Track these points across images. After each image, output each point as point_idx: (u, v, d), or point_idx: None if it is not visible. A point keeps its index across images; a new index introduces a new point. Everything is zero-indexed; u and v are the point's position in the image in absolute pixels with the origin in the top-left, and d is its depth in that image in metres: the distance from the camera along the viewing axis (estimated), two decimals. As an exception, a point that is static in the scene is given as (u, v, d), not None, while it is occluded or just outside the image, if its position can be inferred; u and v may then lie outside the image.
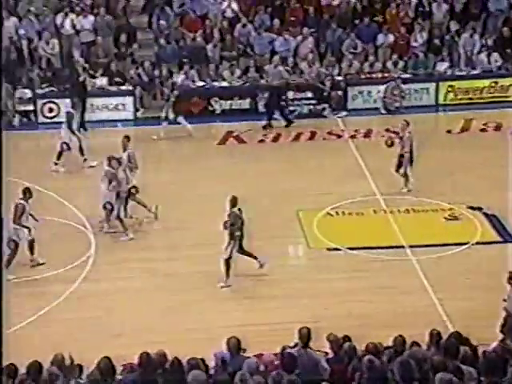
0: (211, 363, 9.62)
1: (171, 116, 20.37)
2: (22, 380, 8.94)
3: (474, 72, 22.97)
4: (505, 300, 12.16)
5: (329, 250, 15.67)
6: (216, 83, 22.41)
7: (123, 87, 21.98)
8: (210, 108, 22.11)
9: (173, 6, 23.30)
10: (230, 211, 14.24)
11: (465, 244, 15.50)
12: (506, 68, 23.01)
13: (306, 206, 17.00)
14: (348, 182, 17.81)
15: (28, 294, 14.10)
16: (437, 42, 23.37)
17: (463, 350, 8.95)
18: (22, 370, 9.10)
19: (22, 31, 22.19)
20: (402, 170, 17.43)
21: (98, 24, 22.61)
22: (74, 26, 22.54)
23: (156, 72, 22.31)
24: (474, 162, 18.76)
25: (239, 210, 14.31)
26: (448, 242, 15.62)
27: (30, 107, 21.26)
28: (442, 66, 23.06)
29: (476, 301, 13.48)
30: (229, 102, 22.08)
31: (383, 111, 22.32)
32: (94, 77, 21.70)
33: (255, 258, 14.59)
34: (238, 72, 22.51)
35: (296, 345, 9.67)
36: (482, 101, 22.63)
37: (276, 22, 23.19)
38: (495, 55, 22.97)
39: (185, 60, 22.33)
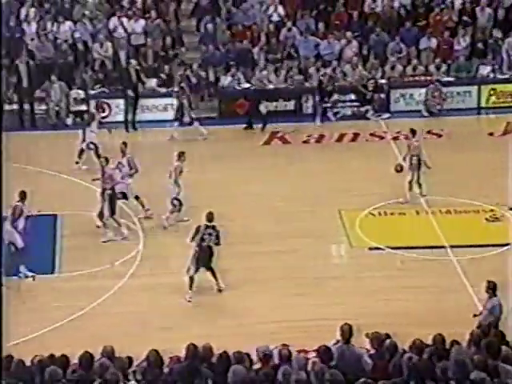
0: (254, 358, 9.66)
1: (186, 119, 20.34)
2: (74, 370, 9.07)
3: (517, 75, 22.71)
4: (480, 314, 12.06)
5: (370, 249, 15.63)
6: (262, 85, 22.46)
7: (172, 89, 22.16)
8: (256, 109, 22.17)
9: (220, 12, 23.40)
10: (203, 225, 13.94)
11: (506, 245, 15.32)
12: (549, 72, 22.69)
13: (349, 206, 16.96)
14: (390, 183, 17.71)
15: (80, 288, 14.29)
16: (480, 45, 23.13)
17: (504, 349, 8.86)
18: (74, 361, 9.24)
19: (77, 34, 22.52)
20: (409, 178, 17.04)
21: (149, 27, 22.84)
22: (125, 30, 22.79)
23: (203, 74, 22.43)
24: (515, 165, 18.53)
25: (207, 226, 13.91)
26: (489, 242, 15.47)
27: (83, 107, 21.53)
28: (485, 70, 22.82)
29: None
30: (274, 103, 22.14)
31: (425, 113, 22.18)
32: (143, 79, 21.89)
33: (190, 286, 14.07)
34: (283, 74, 22.56)
35: (338, 341, 9.65)
36: (524, 104, 22.36)
37: (321, 25, 23.19)
38: (538, 59, 22.67)
39: (232, 62, 22.43)
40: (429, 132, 20.82)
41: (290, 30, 23.07)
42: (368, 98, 22.01)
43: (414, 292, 13.93)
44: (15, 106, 21.32)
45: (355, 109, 22.13)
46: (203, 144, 20.34)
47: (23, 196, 14.80)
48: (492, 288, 12.15)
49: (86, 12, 22.83)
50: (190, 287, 14.02)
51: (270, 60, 22.82)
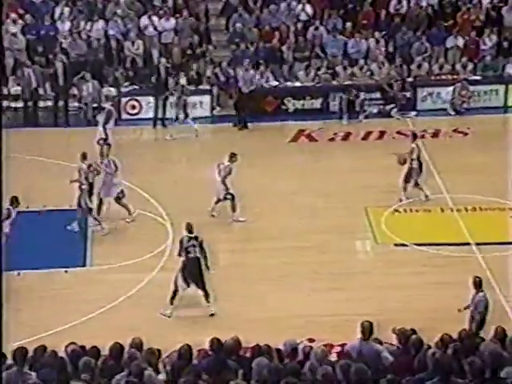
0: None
1: (181, 116, 20.30)
2: (105, 361, 9.12)
3: (544, 74, 22.45)
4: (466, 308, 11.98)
5: (396, 245, 15.57)
6: (289, 83, 22.44)
7: (201, 86, 22.19)
8: (283, 107, 22.15)
9: (249, 10, 23.38)
10: (186, 237, 13.38)
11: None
12: None
13: (375, 203, 16.89)
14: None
15: (110, 280, 14.37)
16: (506, 44, 22.89)
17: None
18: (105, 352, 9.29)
19: (111, 32, 22.63)
20: (412, 182, 16.85)
21: (179, 26, 22.88)
22: (155, 28, 22.85)
23: (232, 72, 22.43)
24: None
25: (190, 238, 13.31)
26: (514, 240, 15.32)
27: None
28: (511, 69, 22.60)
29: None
30: (301, 101, 22.09)
31: (451, 112, 22.00)
32: (174, 76, 21.93)
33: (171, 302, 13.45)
34: (312, 72, 22.51)
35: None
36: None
37: (348, 24, 23.10)
38: None
39: (260, 61, 22.41)
40: (455, 130, 20.66)
41: (317, 28, 23.01)
42: (392, 96, 21.89)
43: (439, 288, 13.84)
44: (49, 103, 21.53)
45: (381, 107, 22.03)
46: (231, 141, 20.34)
47: (15, 202, 14.41)
48: (478, 283, 12.08)
49: (118, 11, 22.94)
50: (171, 302, 13.33)
51: (298, 58, 22.78)
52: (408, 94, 21.99)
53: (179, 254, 13.42)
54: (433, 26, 23.10)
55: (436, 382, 7.99)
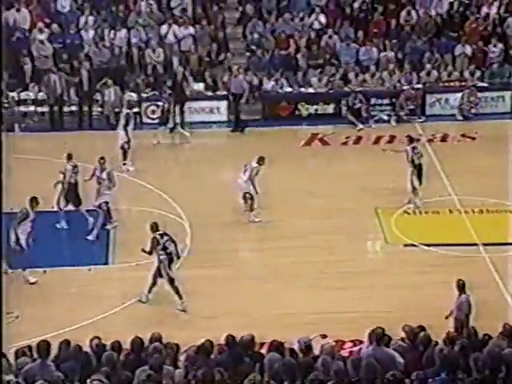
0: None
1: (171, 124, 20.16)
2: (127, 354, 9.18)
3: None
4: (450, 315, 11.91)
5: (405, 245, 15.57)
6: (303, 89, 22.47)
7: (218, 92, 22.25)
8: (297, 112, 22.19)
9: (264, 20, 23.43)
10: (152, 236, 13.32)
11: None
12: None
13: (385, 205, 16.88)
14: (425, 183, 17.56)
15: (131, 278, 14.43)
16: (512, 52, 22.85)
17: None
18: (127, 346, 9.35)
19: (134, 40, 22.76)
20: (409, 185, 16.72)
21: (198, 34, 22.96)
22: (175, 36, 22.94)
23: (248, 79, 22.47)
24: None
25: (160, 235, 13.32)
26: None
27: (136, 109, 21.70)
28: (518, 75, 22.55)
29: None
30: (314, 106, 22.12)
31: (459, 118, 21.96)
32: (190, 82, 22.01)
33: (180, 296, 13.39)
34: (324, 79, 22.53)
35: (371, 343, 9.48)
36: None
37: (360, 34, 23.12)
38: None
39: (276, 68, 22.45)
40: (463, 135, 20.63)
41: (330, 37, 23.06)
42: (400, 103, 21.88)
43: (447, 287, 13.74)
44: (74, 108, 21.66)
45: (392, 113, 22.03)
46: (246, 145, 20.37)
47: (35, 202, 14.31)
48: (461, 286, 12.04)
49: (140, 20, 23.05)
50: (179, 297, 13.31)
51: (311, 66, 22.81)
52: (414, 103, 21.91)
53: (150, 253, 13.29)
54: (442, 35, 23.11)
55: (443, 378, 7.99)
